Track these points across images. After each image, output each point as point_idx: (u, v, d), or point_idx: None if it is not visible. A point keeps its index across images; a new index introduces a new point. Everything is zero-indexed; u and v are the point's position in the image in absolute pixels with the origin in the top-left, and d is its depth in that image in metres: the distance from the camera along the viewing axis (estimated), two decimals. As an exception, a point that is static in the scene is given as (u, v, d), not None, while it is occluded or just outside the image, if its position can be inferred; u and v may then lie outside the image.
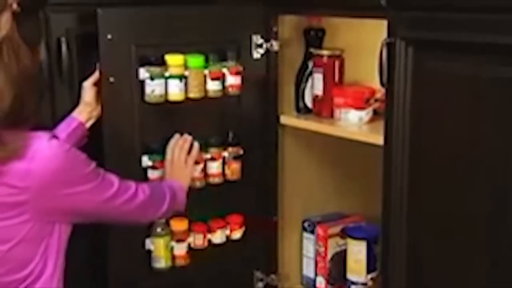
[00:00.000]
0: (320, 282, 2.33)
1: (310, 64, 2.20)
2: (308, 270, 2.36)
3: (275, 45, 2.16)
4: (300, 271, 2.39)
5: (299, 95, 2.24)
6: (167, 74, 1.99)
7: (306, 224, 2.35)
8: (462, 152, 1.55)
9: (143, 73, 1.97)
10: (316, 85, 2.18)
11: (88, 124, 1.99)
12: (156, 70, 1.97)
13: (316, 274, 2.34)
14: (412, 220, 1.69)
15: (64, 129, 1.94)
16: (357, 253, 2.23)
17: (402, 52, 1.65)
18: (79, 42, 1.98)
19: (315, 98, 2.20)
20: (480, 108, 1.50)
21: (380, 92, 1.95)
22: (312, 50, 2.20)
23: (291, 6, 2.11)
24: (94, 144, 1.93)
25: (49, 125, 1.89)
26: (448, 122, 1.57)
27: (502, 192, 1.48)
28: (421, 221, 1.67)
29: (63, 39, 1.95)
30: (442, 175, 1.60)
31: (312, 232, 2.33)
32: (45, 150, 1.51)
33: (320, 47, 2.21)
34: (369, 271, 2.22)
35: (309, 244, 2.34)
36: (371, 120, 2.08)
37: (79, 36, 1.98)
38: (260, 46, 2.15)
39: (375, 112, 2.09)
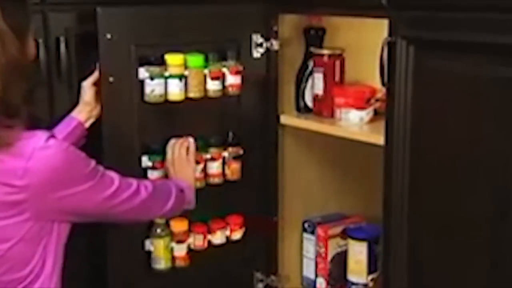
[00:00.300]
0: (321, 283, 2.32)
1: (311, 63, 2.20)
2: (309, 271, 2.35)
3: (275, 45, 2.15)
4: (300, 272, 2.39)
5: (299, 94, 2.23)
6: (166, 73, 1.98)
7: (306, 225, 2.34)
8: (463, 152, 1.54)
9: (142, 72, 1.96)
10: (316, 84, 2.18)
11: (87, 124, 1.97)
12: (155, 69, 1.96)
13: (316, 275, 2.33)
14: (413, 220, 1.68)
15: (63, 129, 1.93)
16: (357, 253, 2.22)
17: (403, 52, 1.64)
18: (78, 42, 1.97)
19: (315, 98, 2.19)
20: (481, 107, 1.49)
21: (381, 92, 1.94)
22: (312, 49, 2.19)
23: (291, 5, 2.10)
24: (93, 144, 1.92)
25: (47, 124, 1.88)
26: (449, 122, 1.56)
27: (503, 192, 1.47)
28: (422, 222, 1.66)
29: (62, 39, 1.94)
30: (443, 175, 1.59)
31: (313, 232, 2.32)
32: (43, 148, 1.51)
33: (320, 46, 2.20)
34: (370, 272, 2.21)
35: (309, 245, 2.34)
36: (371, 120, 2.07)
37: (78, 36, 1.96)
38: (260, 45, 2.14)
39: (375, 112, 2.08)
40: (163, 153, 2.02)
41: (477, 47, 1.48)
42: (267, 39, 2.14)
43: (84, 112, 1.96)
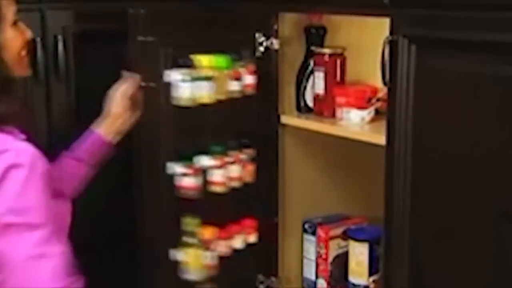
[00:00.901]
0: (321, 284, 2.30)
1: (311, 62, 2.18)
2: (309, 272, 2.33)
3: (275, 44, 2.13)
4: (300, 274, 2.37)
5: (300, 94, 2.22)
6: (197, 75, 1.93)
7: (307, 226, 2.32)
8: (465, 152, 1.53)
9: (173, 75, 1.91)
10: (317, 84, 2.16)
11: (113, 138, 1.89)
12: (186, 72, 1.91)
13: (317, 277, 2.31)
14: (415, 221, 1.66)
15: (84, 146, 1.87)
16: (358, 255, 2.20)
17: (405, 51, 1.63)
18: (76, 40, 1.95)
19: (316, 97, 2.18)
20: (483, 106, 1.48)
21: (382, 91, 1.93)
22: (313, 48, 2.18)
23: (291, 4, 2.09)
24: (122, 150, 1.89)
25: (44, 124, 1.87)
26: (451, 121, 1.55)
27: (505, 192, 1.45)
28: (424, 222, 1.65)
29: (59, 37, 1.92)
30: (445, 175, 1.58)
31: (313, 233, 2.30)
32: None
33: (321, 45, 2.19)
34: (371, 273, 2.20)
35: (310, 246, 2.32)
36: (373, 120, 2.06)
37: (76, 34, 1.95)
38: (261, 44, 2.12)
39: (377, 111, 2.07)
40: (192, 158, 1.96)
41: (478, 46, 1.47)
42: (267, 38, 2.12)
43: (113, 126, 1.88)
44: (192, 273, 2.01)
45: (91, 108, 1.99)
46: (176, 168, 1.95)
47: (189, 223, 1.99)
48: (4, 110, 1.49)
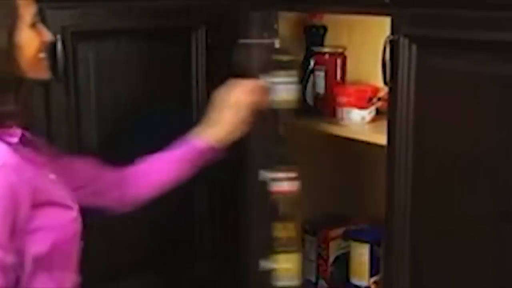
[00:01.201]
0: (322, 285, 2.29)
1: (312, 62, 2.17)
2: (310, 273, 2.32)
3: (276, 43, 2.12)
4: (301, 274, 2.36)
5: (300, 93, 2.21)
6: (295, 77, 1.92)
7: (307, 226, 2.31)
8: (465, 151, 1.52)
9: (277, 77, 1.90)
10: (317, 83, 2.16)
11: (222, 146, 1.78)
12: (288, 73, 1.91)
13: (317, 277, 2.30)
14: (416, 221, 1.66)
15: (189, 151, 1.78)
16: (359, 255, 2.20)
17: (405, 50, 1.63)
18: (75, 40, 1.94)
19: (316, 97, 2.17)
20: (483, 105, 1.48)
21: (383, 91, 1.93)
22: (313, 48, 2.17)
23: (291, 3, 2.08)
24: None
25: (43, 125, 1.85)
26: (451, 121, 1.55)
27: (505, 192, 1.45)
28: (425, 223, 1.64)
29: (58, 37, 1.91)
30: (445, 175, 1.57)
31: (314, 234, 2.29)
32: None
33: (321, 44, 2.18)
34: (372, 274, 2.19)
35: (310, 247, 2.31)
36: (373, 120, 2.06)
37: (75, 34, 1.94)
38: (261, 43, 2.12)
39: (377, 111, 2.06)
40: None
41: (479, 45, 1.47)
42: (267, 38, 2.11)
43: (216, 133, 1.78)
44: (289, 279, 1.98)
45: (90, 109, 1.98)
46: (276, 173, 1.93)
47: (283, 228, 1.97)
48: (10, 110, 1.47)
